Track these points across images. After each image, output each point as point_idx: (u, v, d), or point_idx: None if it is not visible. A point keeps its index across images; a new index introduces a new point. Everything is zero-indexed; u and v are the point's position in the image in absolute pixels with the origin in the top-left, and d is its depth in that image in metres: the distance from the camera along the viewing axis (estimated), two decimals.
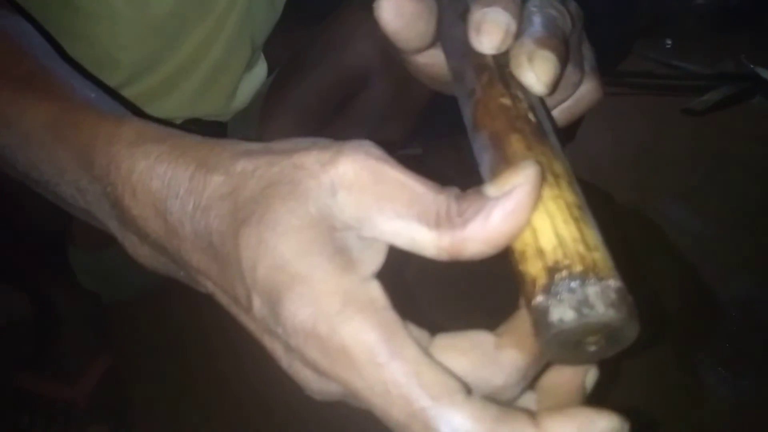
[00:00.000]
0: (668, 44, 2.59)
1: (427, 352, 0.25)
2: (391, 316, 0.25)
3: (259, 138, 0.90)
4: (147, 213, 0.29)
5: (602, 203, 1.42)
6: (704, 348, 1.00)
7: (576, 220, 0.26)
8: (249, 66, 0.89)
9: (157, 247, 0.30)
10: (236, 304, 0.28)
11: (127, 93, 0.78)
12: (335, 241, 0.26)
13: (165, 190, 0.28)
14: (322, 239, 0.25)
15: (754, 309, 1.07)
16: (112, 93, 0.69)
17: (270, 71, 0.94)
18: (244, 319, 0.28)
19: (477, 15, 0.31)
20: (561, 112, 0.37)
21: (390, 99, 0.84)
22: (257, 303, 0.26)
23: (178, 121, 0.86)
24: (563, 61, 0.31)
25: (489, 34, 0.31)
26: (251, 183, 0.27)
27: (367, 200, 0.26)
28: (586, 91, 0.36)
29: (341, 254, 0.25)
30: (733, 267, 1.18)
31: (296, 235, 0.25)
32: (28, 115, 0.34)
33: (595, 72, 0.37)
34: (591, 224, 0.26)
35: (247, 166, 0.27)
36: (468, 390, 0.24)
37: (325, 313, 0.24)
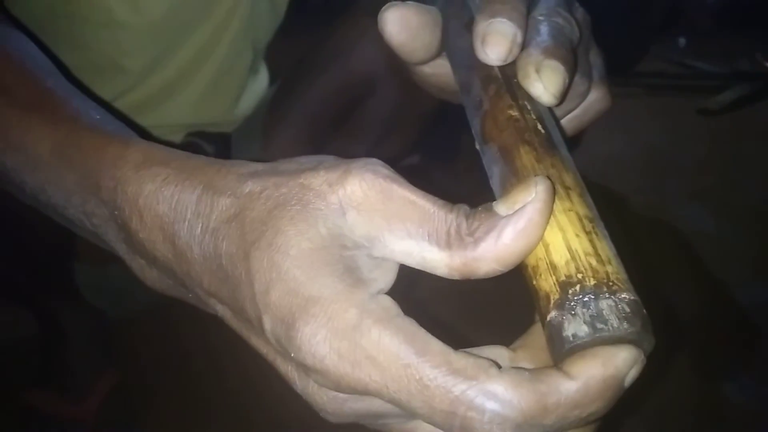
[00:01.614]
0: (682, 43, 2.57)
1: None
2: (406, 320, 0.25)
3: (264, 146, 0.89)
4: (155, 237, 0.29)
5: (616, 207, 1.41)
6: (724, 354, 0.98)
7: (588, 233, 0.25)
8: (252, 71, 0.88)
9: (165, 271, 0.30)
10: (247, 327, 0.27)
11: (132, 98, 0.79)
12: (345, 260, 0.25)
13: (172, 213, 0.28)
14: (332, 260, 0.25)
15: None
16: (115, 113, 0.69)
17: (273, 79, 0.94)
18: (255, 341, 0.28)
19: (482, 26, 0.30)
20: (569, 121, 0.36)
21: (396, 106, 0.84)
22: (270, 326, 0.25)
23: (183, 131, 0.85)
24: (571, 70, 0.30)
25: (495, 45, 0.30)
26: (259, 205, 0.26)
27: (377, 220, 0.26)
28: (594, 100, 0.36)
29: (351, 273, 0.25)
30: (752, 271, 1.16)
31: (308, 257, 0.25)
32: (34, 138, 0.34)
33: (604, 80, 0.36)
34: (603, 236, 0.25)
35: (255, 188, 0.27)
36: (497, 365, 0.24)
37: (343, 330, 0.24)
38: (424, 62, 0.36)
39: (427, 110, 0.82)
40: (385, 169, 0.26)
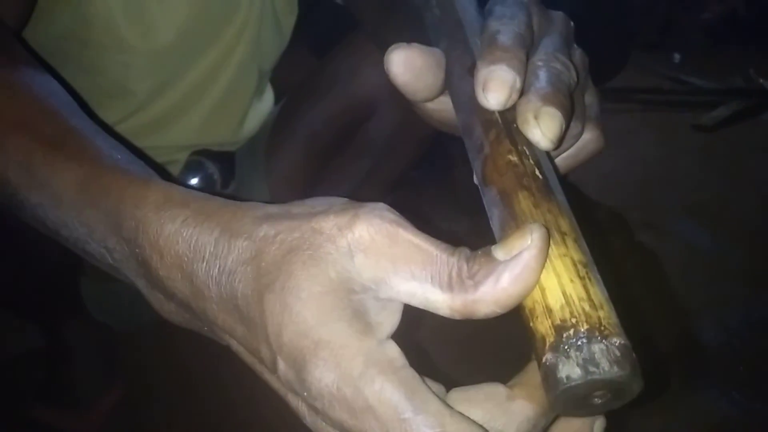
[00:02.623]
0: (676, 58, 2.59)
1: (446, 404, 0.26)
2: (410, 374, 0.26)
3: (267, 165, 0.91)
4: (174, 275, 0.30)
5: (611, 221, 1.42)
6: (717, 370, 0.99)
7: (582, 278, 0.26)
8: (257, 93, 0.90)
9: (182, 305, 0.31)
10: (261, 364, 0.29)
11: (139, 120, 0.81)
12: (354, 303, 0.27)
13: (191, 253, 0.29)
14: (341, 304, 0.26)
15: (767, 329, 1.06)
16: (121, 134, 0.70)
17: (277, 99, 0.96)
18: (268, 377, 0.29)
19: (483, 72, 0.32)
20: (563, 161, 0.37)
21: (395, 128, 0.85)
22: (282, 366, 0.27)
23: (188, 150, 0.87)
24: (568, 116, 0.32)
25: (495, 91, 0.31)
26: (273, 248, 0.27)
27: (383, 262, 0.27)
28: (588, 141, 0.37)
29: (360, 318, 0.26)
30: (745, 286, 1.17)
31: (318, 301, 0.26)
32: (59, 177, 0.35)
33: (598, 121, 0.37)
34: (596, 281, 0.27)
35: (269, 231, 0.28)
36: None
37: (349, 376, 0.25)
38: (428, 100, 0.38)
39: (426, 133, 0.83)
40: (391, 214, 0.28)
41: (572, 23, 0.39)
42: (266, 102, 0.93)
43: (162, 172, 0.36)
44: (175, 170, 0.87)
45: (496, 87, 0.31)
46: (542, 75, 0.32)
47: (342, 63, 0.85)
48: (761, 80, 2.17)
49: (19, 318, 0.92)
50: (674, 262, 1.26)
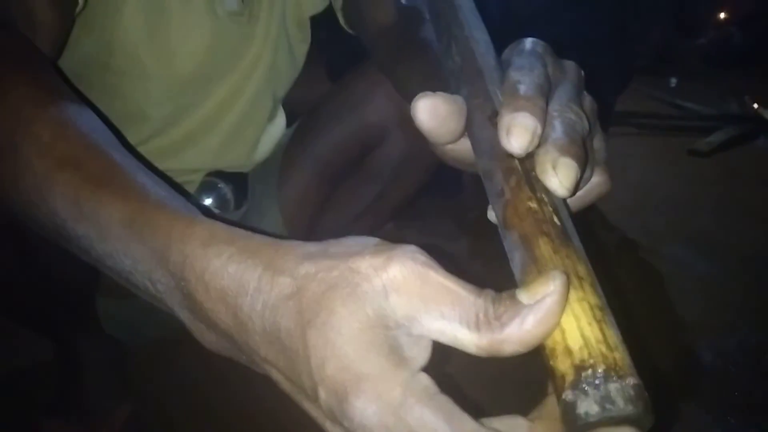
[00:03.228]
0: (672, 83, 2.64)
1: (481, 423, 0.29)
2: (444, 399, 0.28)
3: (279, 187, 0.93)
4: (218, 308, 0.33)
5: (608, 246, 1.44)
6: (713, 395, 1.00)
7: (598, 321, 0.29)
8: (270, 118, 0.93)
9: (225, 336, 0.34)
10: (300, 393, 0.31)
11: (156, 144, 0.83)
12: (389, 339, 0.29)
13: (236, 288, 0.32)
14: (378, 340, 0.29)
15: (762, 355, 1.08)
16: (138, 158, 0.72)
17: (288, 119, 0.98)
18: (307, 405, 0.31)
19: (507, 118, 0.34)
20: (572, 201, 0.39)
21: (406, 154, 0.88)
22: (324, 396, 0.29)
23: (203, 172, 0.89)
24: (583, 166, 0.34)
25: (518, 136, 0.34)
26: (314, 285, 0.30)
27: (415, 302, 0.29)
28: (595, 184, 0.39)
29: (395, 352, 0.29)
30: (740, 312, 1.19)
31: (358, 337, 0.29)
32: (105, 212, 0.38)
33: (605, 165, 0.40)
34: (611, 324, 0.29)
35: (310, 269, 0.30)
36: None
37: (390, 406, 0.27)
38: (449, 143, 0.40)
39: (433, 161, 0.85)
40: (422, 256, 0.30)
41: (582, 72, 0.41)
42: (278, 125, 0.96)
43: (181, 191, 0.38)
44: (189, 190, 0.89)
45: (519, 132, 0.33)
46: (558, 125, 0.35)
47: (353, 91, 0.87)
48: (756, 106, 2.22)
49: (31, 330, 0.92)
50: (670, 288, 1.28)
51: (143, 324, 0.90)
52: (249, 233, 0.34)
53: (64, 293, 0.81)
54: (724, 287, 1.27)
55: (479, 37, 0.43)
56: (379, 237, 0.33)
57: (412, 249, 0.31)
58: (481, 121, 0.38)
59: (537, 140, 0.34)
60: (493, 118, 0.36)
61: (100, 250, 0.38)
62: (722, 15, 2.81)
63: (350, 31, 0.83)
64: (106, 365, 0.90)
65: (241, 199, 0.93)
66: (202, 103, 0.83)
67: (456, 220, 1.51)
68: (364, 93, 0.86)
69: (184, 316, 0.36)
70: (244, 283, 0.31)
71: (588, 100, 0.40)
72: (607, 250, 1.40)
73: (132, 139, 0.81)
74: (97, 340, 0.90)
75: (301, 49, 0.90)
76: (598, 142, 0.40)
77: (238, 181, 0.93)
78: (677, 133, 2.13)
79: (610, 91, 1.54)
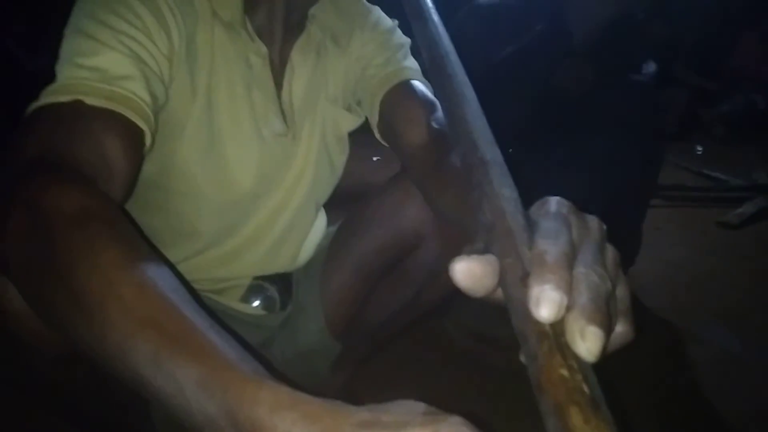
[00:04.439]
0: (699, 151, 2.67)
1: None
2: None
3: (321, 288, 0.98)
4: None
5: (640, 328, 1.44)
6: None
7: None
8: (312, 223, 0.99)
9: None
10: None
11: (206, 257, 0.89)
12: None
13: None
14: None
15: None
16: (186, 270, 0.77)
17: (329, 221, 1.03)
18: None
19: (535, 290, 0.38)
20: None
21: (439, 257, 0.92)
22: None
23: (250, 277, 0.94)
24: (608, 330, 0.38)
25: (546, 308, 0.38)
26: None
27: None
28: (619, 334, 0.42)
29: None
30: None
31: None
32: (182, 372, 0.43)
33: (629, 314, 0.43)
34: None
35: None
36: None
37: None
38: (485, 296, 0.44)
39: None
40: (467, 429, 0.35)
41: (605, 226, 0.45)
42: (319, 227, 1.01)
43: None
44: (237, 293, 0.95)
45: (546, 305, 0.37)
46: (584, 291, 0.39)
47: (390, 199, 0.93)
48: None
49: None
50: (704, 368, 1.27)
51: None
52: (309, 398, 0.39)
53: (120, 395, 0.84)
54: (759, 368, 1.26)
55: (508, 195, 0.48)
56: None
57: (458, 421, 0.35)
58: (513, 281, 0.42)
59: (563, 310, 0.38)
60: (525, 278, 0.40)
61: (174, 405, 0.43)
62: (745, 82, 2.84)
63: (386, 145, 0.90)
64: None
65: (286, 300, 0.98)
66: (249, 219, 0.89)
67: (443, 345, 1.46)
68: (400, 201, 0.91)
69: None
70: None
71: (611, 253, 0.43)
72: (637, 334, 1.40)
73: (182, 253, 0.87)
74: None
75: (340, 159, 0.96)
76: (621, 291, 0.43)
77: (284, 282, 0.98)
78: (705, 204, 2.13)
79: (636, 220, 1.55)
